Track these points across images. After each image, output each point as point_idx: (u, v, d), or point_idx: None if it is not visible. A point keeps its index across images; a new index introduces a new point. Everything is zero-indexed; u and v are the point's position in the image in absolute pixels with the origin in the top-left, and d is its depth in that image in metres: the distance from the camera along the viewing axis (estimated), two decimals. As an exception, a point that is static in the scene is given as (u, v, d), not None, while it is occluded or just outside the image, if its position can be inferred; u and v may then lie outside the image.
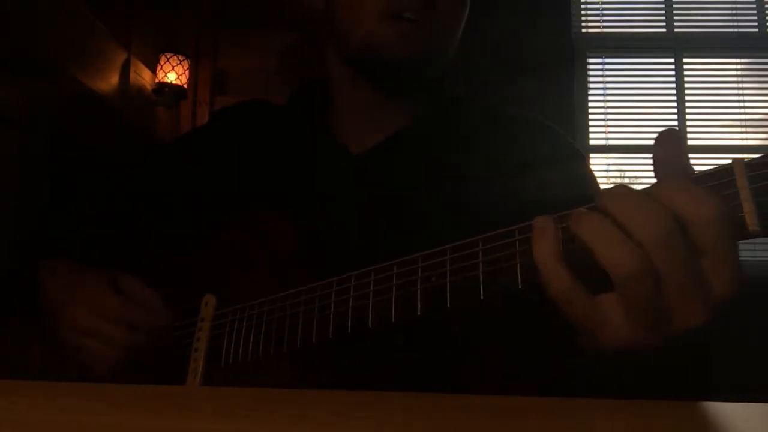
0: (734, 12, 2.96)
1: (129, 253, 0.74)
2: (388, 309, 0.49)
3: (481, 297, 0.43)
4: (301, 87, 0.80)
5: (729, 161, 0.37)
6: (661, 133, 0.39)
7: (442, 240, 0.47)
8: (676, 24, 2.98)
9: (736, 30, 2.93)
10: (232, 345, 0.60)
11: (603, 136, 2.91)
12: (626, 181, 2.88)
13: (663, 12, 3.00)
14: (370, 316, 0.49)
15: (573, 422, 0.33)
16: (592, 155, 2.89)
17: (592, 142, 2.89)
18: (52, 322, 0.65)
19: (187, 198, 0.76)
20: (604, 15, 3.04)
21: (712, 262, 0.37)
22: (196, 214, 0.74)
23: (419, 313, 0.47)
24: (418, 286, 0.47)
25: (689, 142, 2.79)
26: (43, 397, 0.39)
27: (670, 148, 0.39)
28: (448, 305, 0.45)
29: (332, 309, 0.52)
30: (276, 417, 0.33)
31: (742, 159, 0.37)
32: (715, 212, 0.36)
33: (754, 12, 2.95)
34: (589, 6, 3.04)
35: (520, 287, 0.42)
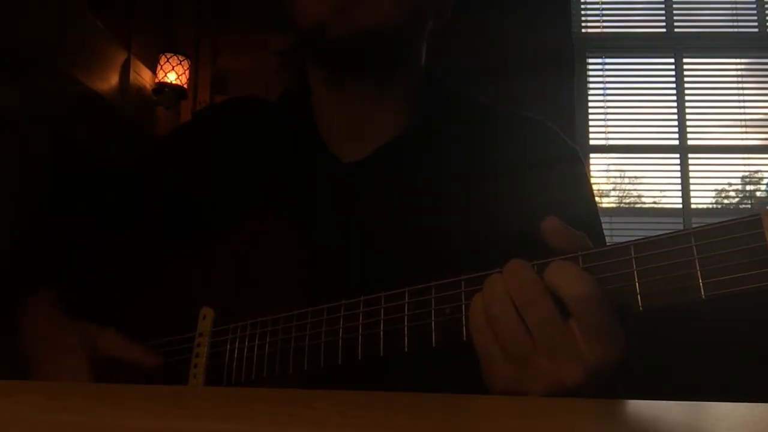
0: (734, 12, 2.96)
1: (117, 271, 0.73)
2: (400, 338, 0.48)
3: None
4: (291, 90, 0.78)
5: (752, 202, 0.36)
6: (544, 223, 0.45)
7: (434, 254, 0.48)
8: (676, 24, 2.98)
9: (736, 30, 2.94)
10: (234, 363, 0.58)
11: (603, 136, 2.91)
12: (626, 180, 2.89)
13: (663, 12, 3.00)
14: (381, 344, 0.49)
15: (574, 422, 0.33)
16: (592, 155, 2.89)
17: (592, 142, 2.89)
18: (26, 362, 0.65)
19: (175, 204, 0.74)
20: (604, 15, 3.05)
21: (582, 333, 0.41)
22: (187, 219, 0.72)
23: (433, 345, 0.47)
24: (432, 318, 0.47)
25: (689, 142, 2.80)
26: (44, 397, 0.39)
27: (555, 236, 0.45)
28: (464, 338, 0.45)
29: (341, 334, 0.52)
30: (276, 417, 0.33)
31: None
32: (587, 291, 0.41)
33: (754, 12, 2.95)
34: (589, 6, 3.04)
35: None
